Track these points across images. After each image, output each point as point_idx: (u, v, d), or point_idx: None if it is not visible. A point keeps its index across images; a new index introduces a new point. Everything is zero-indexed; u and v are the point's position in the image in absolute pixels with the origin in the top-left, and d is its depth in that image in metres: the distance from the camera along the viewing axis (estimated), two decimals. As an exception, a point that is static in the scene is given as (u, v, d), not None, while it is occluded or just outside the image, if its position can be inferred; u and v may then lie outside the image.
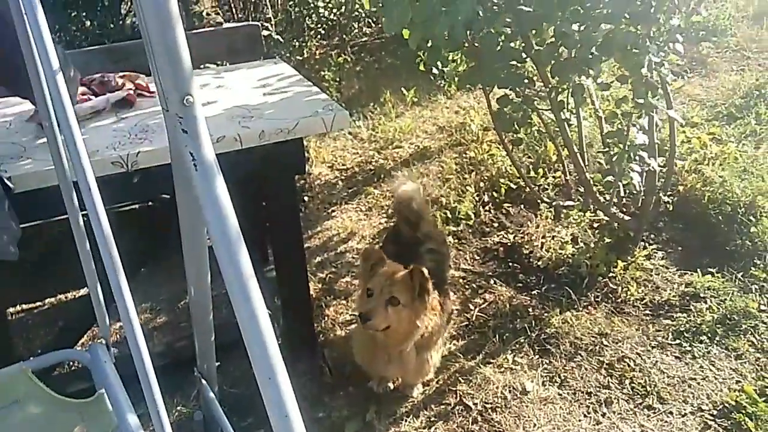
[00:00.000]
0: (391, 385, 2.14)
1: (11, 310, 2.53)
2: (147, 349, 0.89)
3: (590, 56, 2.03)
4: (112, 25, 3.76)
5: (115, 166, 1.62)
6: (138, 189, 1.78)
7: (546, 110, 2.46)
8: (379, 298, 1.76)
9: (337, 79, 4.55)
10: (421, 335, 1.87)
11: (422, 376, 2.08)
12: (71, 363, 2.22)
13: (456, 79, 2.95)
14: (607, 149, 2.46)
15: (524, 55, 2.18)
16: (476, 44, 2.23)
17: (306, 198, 3.42)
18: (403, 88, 4.31)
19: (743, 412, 1.97)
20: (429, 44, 2.19)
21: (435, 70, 4.37)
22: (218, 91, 2.14)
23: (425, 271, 1.77)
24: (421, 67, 4.32)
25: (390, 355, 1.93)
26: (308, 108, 1.91)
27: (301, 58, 4.61)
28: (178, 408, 2.10)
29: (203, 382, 1.62)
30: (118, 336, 2.43)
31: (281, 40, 4.29)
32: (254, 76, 2.30)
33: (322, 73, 4.49)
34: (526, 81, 2.24)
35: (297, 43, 4.65)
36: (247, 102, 2.00)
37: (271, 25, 4.28)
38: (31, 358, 1.42)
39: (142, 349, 0.89)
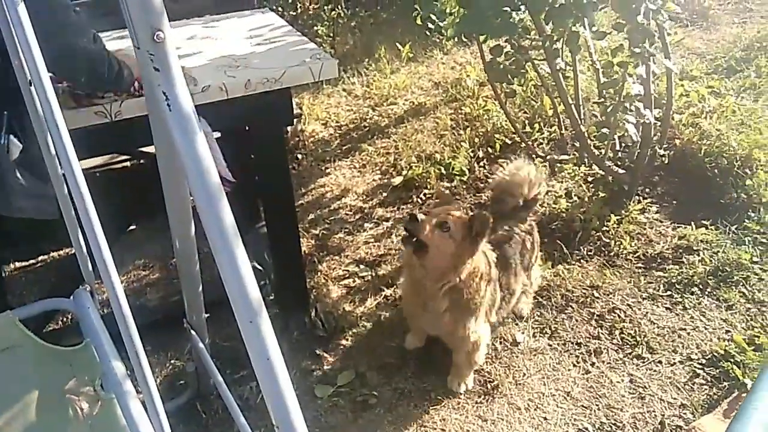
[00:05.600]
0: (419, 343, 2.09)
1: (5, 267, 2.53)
2: (126, 301, 0.88)
3: (585, 1, 1.97)
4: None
5: (99, 116, 1.59)
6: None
7: (541, 61, 2.40)
8: (434, 217, 1.78)
9: (331, 35, 4.46)
10: (464, 297, 1.80)
11: (463, 346, 1.93)
12: (65, 318, 2.23)
13: (448, 29, 2.88)
14: (602, 100, 2.42)
15: (518, 2, 2.12)
16: (469, -10, 2.17)
17: (299, 155, 3.38)
18: (398, 44, 4.23)
19: (732, 360, 1.99)
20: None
21: (431, 25, 4.29)
22: (205, 41, 2.09)
23: (489, 218, 1.74)
24: (418, 21, 4.23)
25: (425, 303, 1.86)
26: (296, 57, 1.87)
27: (294, 13, 4.51)
28: (172, 362, 2.12)
29: (193, 333, 1.62)
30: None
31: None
32: (242, 26, 2.25)
33: (315, 28, 4.39)
34: (520, 29, 2.19)
35: (289, -2, 4.55)
36: (234, 52, 1.95)
37: (262, -22, 4.16)
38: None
39: (121, 299, 0.88)
